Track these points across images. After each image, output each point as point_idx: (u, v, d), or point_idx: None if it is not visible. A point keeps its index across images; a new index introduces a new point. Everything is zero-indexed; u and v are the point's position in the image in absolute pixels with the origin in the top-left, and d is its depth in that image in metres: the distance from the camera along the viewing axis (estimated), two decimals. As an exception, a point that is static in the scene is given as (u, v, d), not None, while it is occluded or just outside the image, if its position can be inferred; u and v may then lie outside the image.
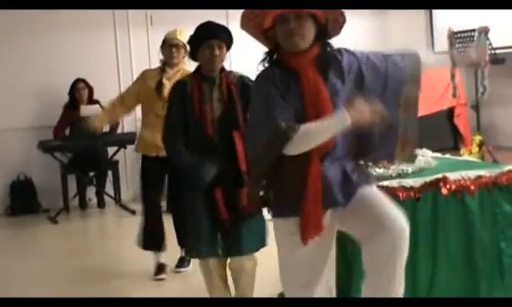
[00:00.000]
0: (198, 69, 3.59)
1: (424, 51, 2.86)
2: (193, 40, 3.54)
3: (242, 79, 3.57)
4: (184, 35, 4.73)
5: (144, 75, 5.07)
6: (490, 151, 7.05)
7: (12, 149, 7.89)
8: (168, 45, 4.90)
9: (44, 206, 7.77)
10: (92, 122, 5.49)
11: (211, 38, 3.45)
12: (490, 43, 7.13)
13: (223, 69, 3.58)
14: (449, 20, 7.92)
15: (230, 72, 3.62)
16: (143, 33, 8.20)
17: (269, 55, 2.67)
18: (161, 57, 5.00)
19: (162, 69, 4.94)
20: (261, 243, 3.55)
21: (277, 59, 2.64)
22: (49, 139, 7.53)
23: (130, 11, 8.12)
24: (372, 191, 2.67)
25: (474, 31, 7.24)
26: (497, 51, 7.24)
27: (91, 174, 7.74)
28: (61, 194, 7.64)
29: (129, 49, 8.21)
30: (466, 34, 7.39)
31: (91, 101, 7.71)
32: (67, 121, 7.64)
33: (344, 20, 2.64)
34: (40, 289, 4.74)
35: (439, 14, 8.64)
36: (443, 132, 8.07)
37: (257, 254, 3.64)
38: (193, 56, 3.59)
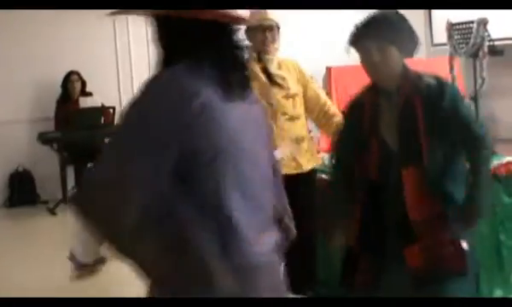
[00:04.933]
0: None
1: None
2: None
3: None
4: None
5: None
6: (488, 142, 7.05)
7: (11, 141, 7.88)
8: (259, 29, 3.66)
9: (43, 198, 7.79)
10: None
11: None
12: (488, 35, 7.13)
13: None
14: (447, 11, 7.91)
15: None
16: (142, 24, 8.15)
17: None
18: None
19: (258, 58, 3.71)
20: None
21: None
22: (49, 131, 7.52)
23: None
24: None
25: (472, 22, 7.24)
26: (496, 43, 7.24)
27: (90, 166, 7.70)
28: (59, 186, 7.64)
29: (127, 40, 8.16)
30: (464, 26, 7.38)
31: (84, 93, 7.76)
32: (63, 114, 7.63)
33: None
34: (39, 280, 4.74)
35: (438, 6, 8.63)
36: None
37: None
38: None
